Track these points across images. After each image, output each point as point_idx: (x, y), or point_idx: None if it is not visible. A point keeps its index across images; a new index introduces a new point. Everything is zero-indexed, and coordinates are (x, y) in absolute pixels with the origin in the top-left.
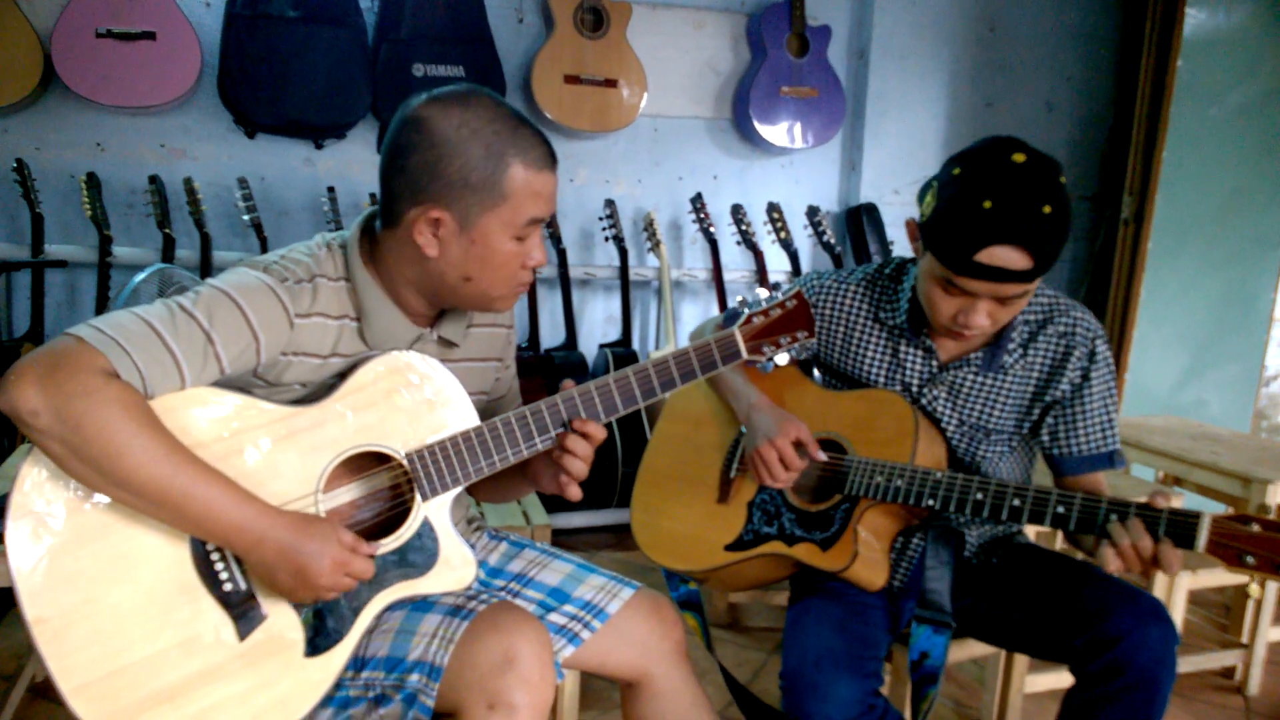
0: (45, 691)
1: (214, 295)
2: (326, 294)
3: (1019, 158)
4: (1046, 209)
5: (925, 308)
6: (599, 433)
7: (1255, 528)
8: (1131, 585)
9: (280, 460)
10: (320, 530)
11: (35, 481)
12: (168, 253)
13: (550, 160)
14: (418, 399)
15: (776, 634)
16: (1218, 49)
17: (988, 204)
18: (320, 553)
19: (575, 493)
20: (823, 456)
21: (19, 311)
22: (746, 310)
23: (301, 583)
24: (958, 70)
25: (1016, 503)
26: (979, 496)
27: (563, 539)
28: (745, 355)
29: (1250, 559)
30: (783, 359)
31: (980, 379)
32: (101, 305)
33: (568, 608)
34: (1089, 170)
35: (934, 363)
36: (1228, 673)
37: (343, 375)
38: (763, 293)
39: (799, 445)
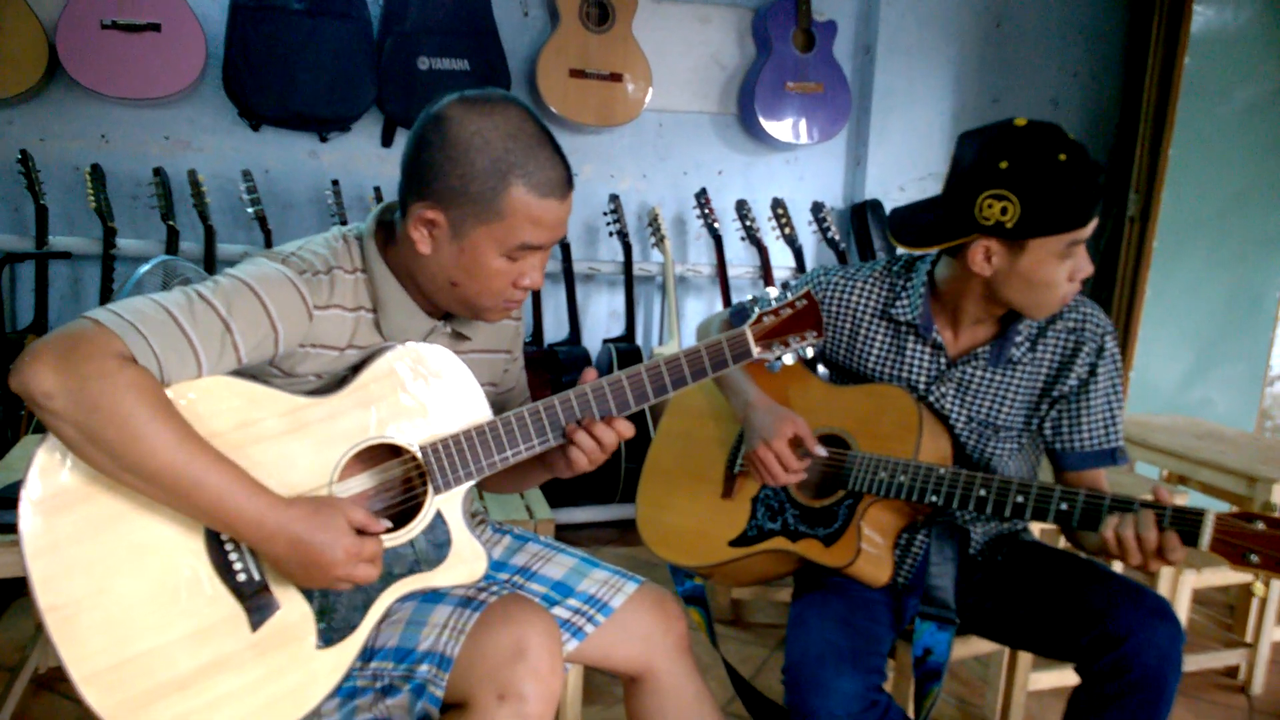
0: (49, 683)
1: (234, 285)
2: (343, 286)
3: (1020, 122)
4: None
5: (1041, 297)
6: (628, 430)
7: (1260, 525)
8: (1138, 583)
9: (295, 451)
10: (330, 519)
11: (48, 469)
12: (172, 245)
13: (560, 188)
14: (431, 391)
15: (779, 630)
16: (1225, 46)
17: (1062, 156)
18: (331, 544)
19: (585, 466)
20: (822, 452)
21: (23, 303)
22: (757, 309)
23: (315, 574)
24: (964, 66)
25: (1020, 499)
26: (982, 493)
27: (566, 534)
28: (756, 354)
29: (1254, 557)
30: (790, 359)
31: (988, 374)
32: (105, 297)
33: (571, 601)
34: None
35: (943, 359)
36: (1231, 672)
37: (358, 367)
38: (772, 291)
39: (797, 442)
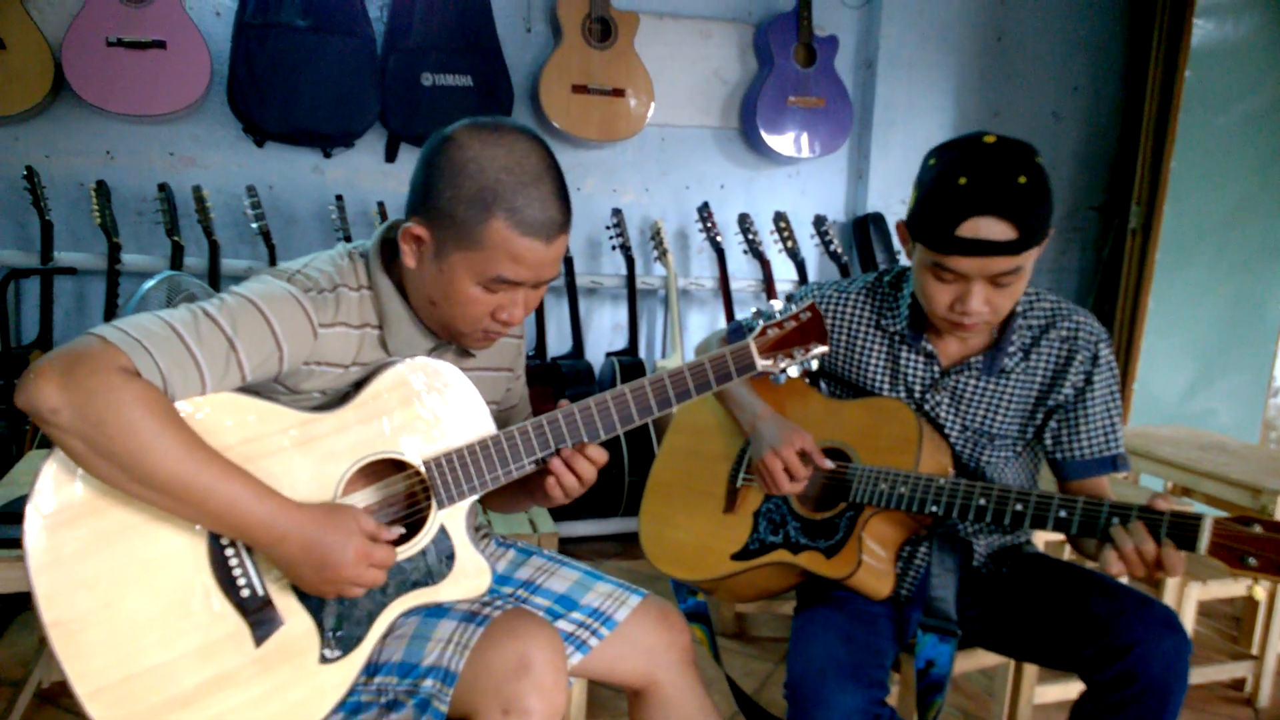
0: (52, 697)
1: (240, 303)
2: (349, 303)
3: (989, 139)
4: (1022, 179)
5: (923, 303)
6: (600, 457)
7: (1257, 529)
8: (1143, 594)
9: (299, 466)
10: (342, 522)
11: (54, 484)
12: (176, 260)
13: (546, 230)
14: (436, 406)
15: (783, 644)
16: (1225, 59)
17: (963, 180)
18: (343, 545)
19: (561, 499)
20: (829, 464)
21: (28, 319)
22: (761, 322)
23: (326, 576)
24: (965, 80)
25: (1019, 507)
26: (981, 502)
27: (569, 547)
28: (760, 366)
29: (1252, 560)
30: (795, 371)
31: (982, 383)
32: (110, 312)
33: (575, 615)
34: (1097, 180)
35: (935, 368)
36: (1237, 684)
37: (363, 382)
38: (776, 304)
39: (804, 455)
